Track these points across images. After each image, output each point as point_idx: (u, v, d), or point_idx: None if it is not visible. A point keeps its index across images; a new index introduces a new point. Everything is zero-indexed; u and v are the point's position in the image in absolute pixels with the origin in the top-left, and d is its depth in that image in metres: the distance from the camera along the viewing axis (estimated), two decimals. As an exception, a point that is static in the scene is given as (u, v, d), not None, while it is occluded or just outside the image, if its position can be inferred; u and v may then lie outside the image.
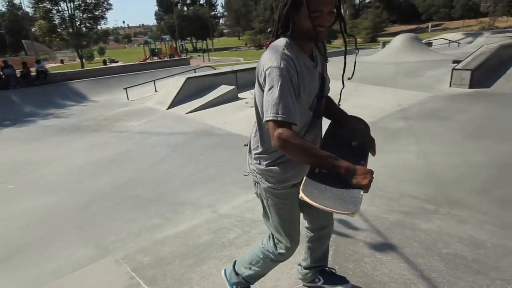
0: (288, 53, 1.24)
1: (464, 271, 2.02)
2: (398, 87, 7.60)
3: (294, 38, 1.29)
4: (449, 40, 19.32)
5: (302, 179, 1.24)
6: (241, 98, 8.11)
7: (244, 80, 9.51)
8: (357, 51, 1.59)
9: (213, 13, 65.04)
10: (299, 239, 1.62)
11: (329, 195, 1.11)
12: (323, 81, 1.43)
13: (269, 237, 1.66)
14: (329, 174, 1.16)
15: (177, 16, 49.57)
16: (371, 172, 1.14)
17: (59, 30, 28.29)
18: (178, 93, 8.30)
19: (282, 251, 1.60)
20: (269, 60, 1.22)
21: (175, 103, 8.16)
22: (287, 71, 1.19)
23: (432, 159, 3.89)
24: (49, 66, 29.48)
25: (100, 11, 29.05)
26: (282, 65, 1.19)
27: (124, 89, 10.93)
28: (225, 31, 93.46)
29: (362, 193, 1.11)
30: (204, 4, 62.38)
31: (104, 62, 35.26)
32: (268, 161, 1.41)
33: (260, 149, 1.43)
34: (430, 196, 3.06)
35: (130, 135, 6.36)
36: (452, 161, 3.80)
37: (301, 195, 1.11)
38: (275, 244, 1.62)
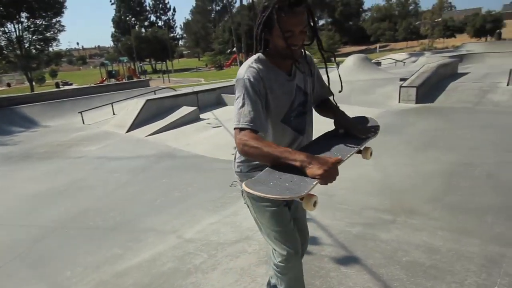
0: (255, 66, 1.33)
1: (423, 277, 2.12)
2: (353, 104, 8.00)
3: (270, 55, 1.37)
4: (396, 60, 20.81)
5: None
6: (203, 119, 8.07)
7: (205, 101, 9.51)
8: (336, 66, 1.85)
9: (172, 35, 64.97)
10: (298, 247, 1.55)
11: (271, 183, 1.13)
12: (305, 97, 1.46)
13: (271, 251, 1.63)
14: (283, 168, 1.16)
15: (135, 38, 48.89)
16: (333, 162, 1.11)
17: (5, 52, 26.55)
18: (137, 115, 8.08)
19: (280, 259, 1.54)
20: (238, 73, 1.34)
21: (134, 125, 7.91)
22: (250, 82, 1.28)
23: (388, 171, 4.10)
24: (-6, 90, 27.54)
25: (51, 32, 27.78)
26: (246, 76, 1.30)
27: (79, 112, 10.42)
28: (184, 52, 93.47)
29: (315, 182, 1.09)
30: (163, 26, 62.26)
31: (57, 84, 33.62)
32: (248, 168, 1.46)
33: (240, 157, 1.48)
34: (388, 206, 3.21)
35: (86, 161, 6.03)
36: (405, 172, 4.03)
37: (243, 187, 1.15)
38: (273, 255, 1.59)
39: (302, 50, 1.40)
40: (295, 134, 1.45)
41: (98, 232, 3.34)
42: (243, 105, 1.26)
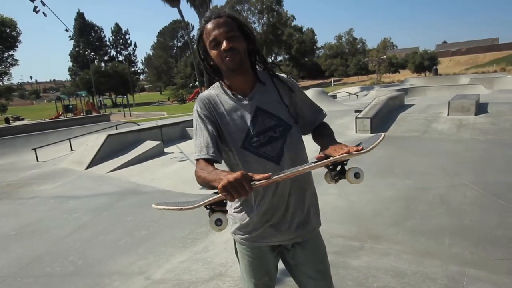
0: (206, 94, 1.33)
1: (394, 302, 2.16)
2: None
3: (223, 79, 1.34)
4: (349, 93, 22.20)
5: (269, 240, 1.33)
6: (168, 153, 7.91)
7: (170, 135, 9.38)
8: None
9: (133, 69, 64.42)
10: None
11: (180, 201, 1.17)
12: (278, 121, 1.30)
13: None
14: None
15: (94, 72, 47.73)
16: (237, 175, 0.93)
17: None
18: (98, 150, 7.73)
19: None
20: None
21: (95, 161, 7.54)
22: (197, 112, 1.29)
23: (351, 198, 4.24)
24: None
25: (3, 66, 26.41)
26: (195, 107, 1.30)
27: (32, 149, 9.76)
28: (146, 86, 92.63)
29: (216, 196, 1.05)
30: (124, 61, 61.65)
31: (7, 120, 31.39)
32: (234, 208, 1.37)
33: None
34: (355, 233, 3.29)
35: (41, 201, 5.58)
36: (367, 199, 4.20)
37: (153, 206, 1.15)
38: None
39: (273, 75, 1.35)
40: (265, 162, 1.26)
41: (56, 279, 3.05)
42: (196, 137, 1.26)
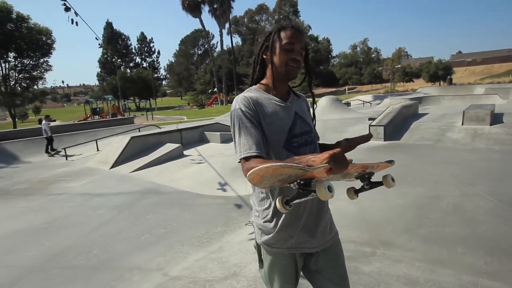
0: (246, 95, 1.28)
1: (405, 309, 2.10)
2: (327, 141, 8.24)
3: (265, 84, 1.35)
4: (363, 101, 21.89)
5: (303, 246, 1.31)
6: (187, 155, 8.00)
7: (189, 138, 9.49)
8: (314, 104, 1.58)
9: (156, 75, 65.74)
10: None
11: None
12: (309, 127, 1.36)
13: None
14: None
15: (120, 78, 48.99)
16: (338, 150, 0.93)
17: (-11, 89, 25.74)
18: (122, 152, 7.91)
19: None
20: (231, 106, 1.29)
21: (119, 162, 7.71)
22: (241, 110, 1.23)
23: (362, 204, 4.16)
24: (-26, 126, 26.25)
25: (38, 71, 27.41)
26: (237, 107, 1.25)
27: (62, 148, 10.10)
28: (168, 91, 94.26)
29: (323, 164, 0.93)
30: (148, 68, 63.04)
31: (40, 121, 32.58)
32: (263, 218, 1.32)
33: (256, 205, 1.37)
34: (366, 239, 3.22)
35: (69, 198, 5.75)
36: (379, 206, 4.10)
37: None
38: None
39: (295, 92, 1.43)
40: None
41: (80, 271, 3.12)
42: (240, 136, 1.20)
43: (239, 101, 1.27)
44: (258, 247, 1.43)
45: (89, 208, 5.01)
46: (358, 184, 1.29)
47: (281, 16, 49.31)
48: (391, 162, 1.32)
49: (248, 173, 0.96)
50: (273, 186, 1.04)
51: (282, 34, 1.28)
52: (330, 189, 0.91)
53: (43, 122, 11.50)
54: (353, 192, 1.25)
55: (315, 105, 1.49)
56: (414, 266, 2.65)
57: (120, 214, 4.64)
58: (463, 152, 6.64)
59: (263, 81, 1.36)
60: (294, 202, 1.00)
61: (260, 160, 1.11)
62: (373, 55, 59.51)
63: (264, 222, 1.32)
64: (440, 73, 42.69)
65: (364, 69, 55.08)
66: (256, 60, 1.37)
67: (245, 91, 1.35)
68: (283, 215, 1.27)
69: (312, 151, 1.33)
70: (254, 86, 1.37)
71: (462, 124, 8.51)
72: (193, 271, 2.80)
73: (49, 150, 11.04)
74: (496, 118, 8.63)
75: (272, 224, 1.30)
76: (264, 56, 1.34)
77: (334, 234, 1.43)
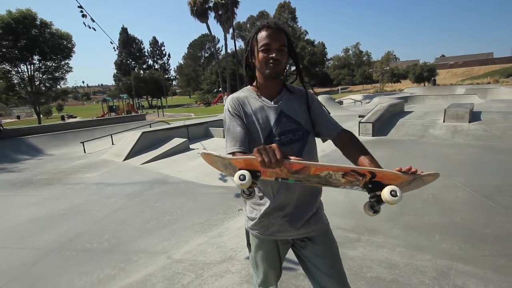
0: (235, 95, 1.29)
1: (385, 291, 2.07)
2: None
3: (256, 85, 1.30)
4: (354, 100, 21.72)
5: (284, 234, 1.27)
6: (193, 149, 7.97)
7: (195, 133, 9.45)
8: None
9: (166, 76, 65.45)
10: (275, 285, 1.44)
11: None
12: (298, 125, 1.26)
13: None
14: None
15: (134, 78, 48.83)
16: (271, 144, 0.91)
17: (17, 89, 25.71)
18: (134, 145, 7.88)
19: (259, 287, 1.44)
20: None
21: (131, 155, 7.69)
22: (228, 110, 1.24)
23: (351, 194, 4.12)
24: (5, 121, 26.27)
25: (60, 73, 27.29)
26: (226, 107, 1.27)
27: (81, 142, 10.08)
28: (177, 90, 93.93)
29: (252, 155, 0.93)
30: (159, 69, 62.74)
31: (62, 117, 32.62)
32: (250, 205, 1.33)
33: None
34: (353, 226, 3.19)
35: (85, 187, 5.75)
36: (366, 195, 4.05)
37: (201, 152, 1.05)
38: (254, 276, 1.47)
39: (289, 88, 1.32)
40: None
41: (93, 254, 3.11)
42: (227, 133, 1.21)
43: (227, 101, 1.28)
44: (246, 233, 1.42)
45: (103, 197, 5.01)
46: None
47: (280, 22, 48.82)
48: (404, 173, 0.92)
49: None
50: (221, 170, 1.06)
51: (258, 36, 1.22)
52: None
53: None
54: (368, 207, 1.01)
55: (308, 96, 1.34)
56: (395, 251, 2.63)
57: (131, 202, 4.63)
58: (443, 147, 6.57)
59: (255, 82, 1.32)
60: (252, 190, 0.96)
61: (242, 154, 1.11)
62: (364, 58, 58.84)
63: (250, 209, 1.32)
64: (425, 74, 42.27)
65: (356, 70, 54.53)
66: (244, 65, 1.33)
67: (238, 91, 1.33)
68: (267, 205, 1.25)
69: (298, 149, 1.25)
70: (247, 87, 1.34)
71: (444, 122, 8.42)
72: (194, 254, 2.79)
73: None
74: (474, 116, 8.53)
75: (256, 212, 1.29)
76: (251, 61, 1.29)
77: (321, 225, 1.34)
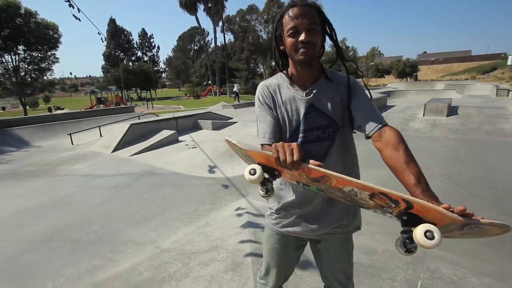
0: (267, 82, 1.16)
1: (364, 276, 2.13)
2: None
3: (289, 73, 1.14)
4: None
5: (295, 231, 1.17)
6: (181, 141, 7.88)
7: (184, 126, 9.34)
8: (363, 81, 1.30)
9: (156, 68, 64.02)
10: (277, 283, 1.34)
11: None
12: (328, 121, 1.09)
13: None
14: None
15: (123, 70, 47.55)
16: (290, 143, 0.80)
17: (2, 80, 24.62)
18: (122, 137, 7.72)
19: (259, 279, 1.38)
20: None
21: (119, 146, 7.54)
22: (259, 99, 1.14)
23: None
24: (-12, 113, 25.23)
25: (46, 63, 26.27)
26: (257, 95, 1.16)
27: (68, 134, 9.79)
28: (167, 83, 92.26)
29: (270, 153, 0.84)
30: (148, 61, 61.32)
31: (49, 109, 31.53)
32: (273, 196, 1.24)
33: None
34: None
35: (73, 179, 5.61)
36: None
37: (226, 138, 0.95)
38: (260, 269, 1.40)
39: (328, 75, 1.12)
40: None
41: (81, 244, 3.06)
42: (258, 122, 1.11)
43: (259, 89, 1.16)
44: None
45: (91, 188, 4.91)
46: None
47: (269, 17, 48.22)
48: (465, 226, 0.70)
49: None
50: (243, 160, 0.98)
51: (284, 20, 1.04)
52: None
53: None
54: (400, 244, 0.75)
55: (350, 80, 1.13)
56: (374, 238, 2.70)
57: (119, 193, 4.56)
58: (423, 140, 6.74)
59: (289, 68, 1.15)
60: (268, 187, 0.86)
61: (268, 148, 1.01)
62: (350, 53, 59.29)
63: (272, 199, 1.24)
64: (407, 70, 43.04)
65: (342, 66, 54.91)
66: (274, 51, 1.14)
67: (271, 77, 1.18)
68: (287, 198, 1.17)
69: (326, 149, 1.08)
70: (281, 74, 1.17)
71: (423, 115, 8.62)
72: (181, 244, 2.78)
73: None
74: (452, 110, 8.76)
75: (275, 203, 1.22)
76: (281, 48, 1.11)
77: (339, 230, 1.20)
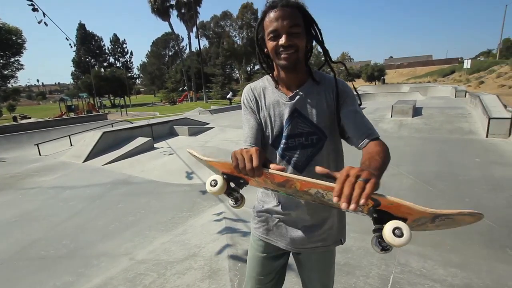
0: (252, 85, 1.11)
1: (338, 274, 2.17)
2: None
3: (276, 76, 1.08)
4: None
5: (282, 243, 1.13)
6: (157, 148, 7.67)
7: (159, 132, 9.10)
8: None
9: (129, 74, 62.08)
10: None
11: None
12: (313, 128, 1.02)
13: None
14: None
15: (94, 76, 45.62)
16: (250, 149, 0.78)
17: (-42, 88, 22.78)
18: (94, 146, 7.37)
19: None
20: None
21: (91, 155, 7.19)
22: (243, 102, 1.11)
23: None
24: None
25: (9, 70, 24.66)
26: (242, 97, 1.12)
27: (35, 144, 9.20)
28: (141, 89, 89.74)
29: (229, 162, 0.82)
30: (121, 67, 59.36)
31: (14, 118, 29.46)
32: (259, 199, 1.22)
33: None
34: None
35: (40, 191, 5.26)
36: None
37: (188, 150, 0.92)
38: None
39: (315, 78, 1.04)
40: (286, 166, 1.03)
41: (49, 261, 2.86)
42: (243, 125, 1.07)
43: (244, 92, 1.12)
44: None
45: (61, 200, 4.62)
46: None
47: (243, 22, 48.57)
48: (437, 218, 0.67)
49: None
50: (210, 169, 0.93)
51: (265, 22, 0.96)
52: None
53: None
54: (375, 242, 0.71)
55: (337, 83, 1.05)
56: (349, 236, 2.74)
57: (91, 204, 4.34)
58: (391, 139, 7.05)
59: (274, 71, 1.09)
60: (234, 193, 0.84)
61: None
62: (322, 58, 61.01)
63: (258, 201, 1.21)
64: (375, 74, 44.99)
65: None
66: (258, 55, 1.08)
67: (258, 80, 1.13)
68: (271, 203, 1.13)
69: (306, 157, 1.02)
70: (267, 77, 1.12)
71: (391, 116, 9.03)
72: (157, 254, 2.69)
73: None
74: (416, 111, 9.26)
75: (260, 206, 1.19)
76: (265, 50, 1.03)
77: (319, 243, 1.13)
